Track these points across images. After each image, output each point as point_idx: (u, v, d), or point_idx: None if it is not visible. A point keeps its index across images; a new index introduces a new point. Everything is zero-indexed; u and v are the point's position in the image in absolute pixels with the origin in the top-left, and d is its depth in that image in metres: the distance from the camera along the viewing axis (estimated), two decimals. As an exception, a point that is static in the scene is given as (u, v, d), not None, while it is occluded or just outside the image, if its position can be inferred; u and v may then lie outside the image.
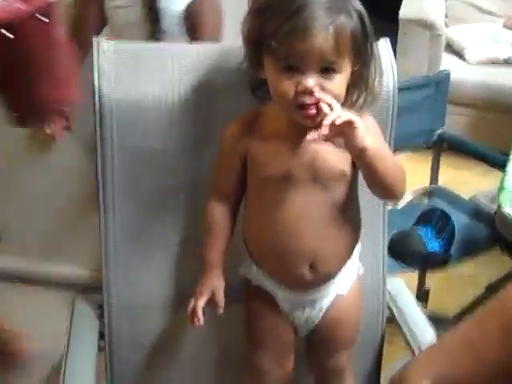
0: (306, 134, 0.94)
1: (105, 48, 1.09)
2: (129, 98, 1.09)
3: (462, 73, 3.37)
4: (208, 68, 1.10)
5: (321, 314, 1.13)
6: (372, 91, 1.01)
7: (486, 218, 2.00)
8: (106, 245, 1.15)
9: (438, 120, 2.11)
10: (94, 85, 1.07)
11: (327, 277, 1.09)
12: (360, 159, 0.98)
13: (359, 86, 1.00)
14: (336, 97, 0.95)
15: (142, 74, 1.09)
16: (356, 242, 1.11)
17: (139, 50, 1.12)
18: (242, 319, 1.15)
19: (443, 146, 2.18)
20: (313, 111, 0.94)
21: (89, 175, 1.18)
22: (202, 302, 1.06)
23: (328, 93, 0.94)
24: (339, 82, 0.95)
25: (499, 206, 1.52)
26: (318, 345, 1.17)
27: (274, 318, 1.11)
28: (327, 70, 0.94)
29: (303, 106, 0.94)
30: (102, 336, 1.20)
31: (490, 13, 3.95)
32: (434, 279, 2.36)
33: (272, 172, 1.02)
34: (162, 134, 1.11)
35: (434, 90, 2.06)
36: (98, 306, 1.22)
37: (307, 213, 1.03)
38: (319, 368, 1.20)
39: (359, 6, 0.96)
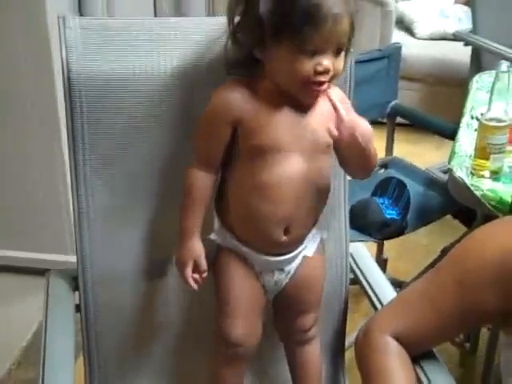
0: (298, 108, 1.05)
1: (71, 24, 1.11)
2: (97, 72, 1.11)
3: (412, 48, 3.46)
4: (177, 42, 1.14)
5: (289, 277, 1.18)
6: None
7: (439, 187, 2.10)
8: (78, 215, 1.18)
9: (391, 92, 2.18)
10: (61, 60, 1.10)
11: (299, 240, 1.15)
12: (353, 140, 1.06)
13: (346, 58, 1.07)
14: (339, 72, 1.04)
15: (109, 49, 1.12)
16: (324, 206, 1.17)
17: (105, 25, 1.14)
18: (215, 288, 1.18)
19: (396, 119, 2.26)
20: (324, 87, 1.02)
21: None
22: (188, 271, 1.12)
23: (336, 70, 1.02)
24: (342, 58, 1.04)
25: (451, 171, 1.59)
26: (285, 307, 1.21)
27: (246, 281, 1.15)
28: (338, 50, 1.02)
29: (314, 84, 1.02)
30: (78, 308, 1.23)
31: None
32: (390, 249, 2.45)
33: (264, 142, 1.06)
34: (131, 108, 1.14)
35: (386, 63, 2.12)
36: (72, 278, 1.25)
37: (291, 181, 1.08)
38: (286, 330, 1.24)
39: None
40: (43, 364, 1.07)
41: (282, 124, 1.06)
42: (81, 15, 2.03)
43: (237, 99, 1.06)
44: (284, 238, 1.11)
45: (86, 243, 1.19)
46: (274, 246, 1.13)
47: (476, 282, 1.01)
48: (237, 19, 1.04)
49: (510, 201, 1.47)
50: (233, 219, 1.13)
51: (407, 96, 3.22)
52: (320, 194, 1.13)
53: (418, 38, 3.65)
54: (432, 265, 2.04)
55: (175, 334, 1.29)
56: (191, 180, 1.11)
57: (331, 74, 1.02)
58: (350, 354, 1.42)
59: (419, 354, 1.11)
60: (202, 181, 1.11)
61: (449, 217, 2.24)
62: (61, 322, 1.17)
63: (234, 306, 1.15)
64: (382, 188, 2.00)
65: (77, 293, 1.23)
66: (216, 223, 1.16)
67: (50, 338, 1.12)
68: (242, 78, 1.08)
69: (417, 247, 2.63)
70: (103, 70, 1.12)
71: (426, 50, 3.55)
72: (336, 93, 1.09)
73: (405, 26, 3.81)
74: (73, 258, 1.79)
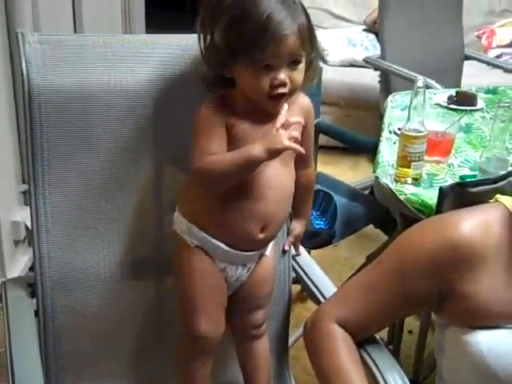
0: (271, 116, 1.12)
1: (30, 39, 1.17)
2: (56, 85, 1.17)
3: (324, 74, 3.63)
4: (132, 57, 1.22)
5: (248, 273, 1.26)
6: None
7: (362, 199, 2.24)
8: (36, 222, 1.22)
9: (315, 112, 2.30)
10: (22, 74, 1.15)
11: (271, 238, 1.25)
12: None
13: (310, 70, 1.15)
14: (299, 83, 1.12)
15: (66, 64, 1.19)
16: (289, 209, 1.27)
17: (63, 41, 1.21)
18: (176, 285, 1.23)
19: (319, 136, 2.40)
20: (283, 99, 1.11)
21: None
22: None
23: (295, 81, 1.10)
24: (301, 69, 1.12)
25: (377, 178, 1.74)
26: (241, 302, 1.28)
27: (210, 276, 1.21)
28: (294, 62, 1.10)
29: (276, 96, 1.10)
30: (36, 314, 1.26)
31: (345, 19, 4.29)
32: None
33: None
34: (88, 118, 1.21)
35: (308, 84, 2.25)
36: (29, 284, 1.28)
37: (270, 183, 1.17)
38: (240, 325, 1.31)
39: (301, 1, 1.12)
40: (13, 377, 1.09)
41: (259, 132, 1.14)
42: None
43: (219, 109, 1.14)
44: (260, 235, 1.20)
45: (43, 248, 1.23)
46: (248, 243, 1.21)
47: (415, 270, 1.12)
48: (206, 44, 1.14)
49: (430, 203, 1.61)
50: (205, 216, 1.19)
51: (321, 118, 3.38)
52: (289, 197, 1.24)
53: (330, 65, 3.84)
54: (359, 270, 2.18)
55: (135, 334, 1.34)
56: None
57: (289, 86, 1.10)
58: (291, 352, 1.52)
59: (362, 340, 1.20)
60: None
61: (366, 231, 2.40)
62: (22, 329, 1.20)
63: (199, 300, 1.20)
64: (310, 200, 2.12)
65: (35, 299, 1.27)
66: (180, 220, 1.22)
67: (15, 348, 1.14)
68: (220, 93, 1.16)
69: (337, 260, 2.77)
70: (61, 83, 1.18)
71: (338, 75, 3.74)
72: (303, 101, 1.21)
73: (316, 53, 4.00)
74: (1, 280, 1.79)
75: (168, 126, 1.26)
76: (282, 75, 1.09)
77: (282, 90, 1.10)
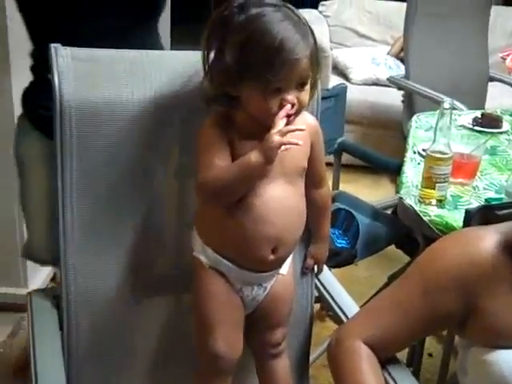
0: None
1: (63, 53, 1.18)
2: (88, 99, 1.19)
3: (347, 93, 3.64)
4: (159, 72, 1.23)
5: (265, 293, 1.25)
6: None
7: (384, 219, 2.23)
8: (64, 237, 1.23)
9: (338, 130, 2.32)
10: (54, 86, 1.16)
11: (284, 259, 1.24)
12: None
13: (313, 90, 1.17)
14: (305, 103, 1.13)
15: (97, 78, 1.20)
16: (303, 228, 1.26)
17: (94, 56, 1.22)
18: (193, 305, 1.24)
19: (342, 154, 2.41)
20: (291, 118, 1.11)
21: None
22: None
23: (302, 102, 1.11)
24: (308, 90, 1.13)
25: (401, 199, 1.74)
26: (259, 321, 1.28)
27: (227, 297, 1.21)
28: (301, 84, 1.11)
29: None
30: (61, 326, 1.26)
31: (369, 38, 4.29)
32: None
33: None
34: (118, 132, 1.22)
35: (333, 102, 2.27)
36: (54, 296, 1.29)
37: (279, 203, 1.17)
38: (258, 344, 1.31)
39: (307, 22, 1.13)
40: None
41: None
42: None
43: (221, 126, 1.15)
44: (271, 257, 1.19)
45: (70, 260, 1.24)
46: (260, 264, 1.20)
47: (438, 286, 1.12)
48: (211, 60, 1.14)
49: (454, 225, 1.60)
50: (218, 237, 1.20)
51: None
52: (299, 217, 1.23)
53: (353, 83, 3.85)
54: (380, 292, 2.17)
55: (155, 350, 1.34)
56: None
57: (296, 107, 1.11)
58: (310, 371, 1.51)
59: (385, 360, 1.20)
60: None
61: (386, 251, 2.39)
62: (47, 341, 1.21)
63: (217, 322, 1.20)
64: (332, 219, 2.10)
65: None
66: (197, 241, 1.23)
67: (39, 360, 1.15)
68: (222, 110, 1.16)
69: (357, 280, 2.76)
70: (92, 96, 1.19)
71: (361, 94, 3.73)
72: (308, 121, 1.20)
73: (339, 71, 4.01)
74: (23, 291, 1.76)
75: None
76: (291, 96, 1.10)
77: (290, 111, 1.10)
